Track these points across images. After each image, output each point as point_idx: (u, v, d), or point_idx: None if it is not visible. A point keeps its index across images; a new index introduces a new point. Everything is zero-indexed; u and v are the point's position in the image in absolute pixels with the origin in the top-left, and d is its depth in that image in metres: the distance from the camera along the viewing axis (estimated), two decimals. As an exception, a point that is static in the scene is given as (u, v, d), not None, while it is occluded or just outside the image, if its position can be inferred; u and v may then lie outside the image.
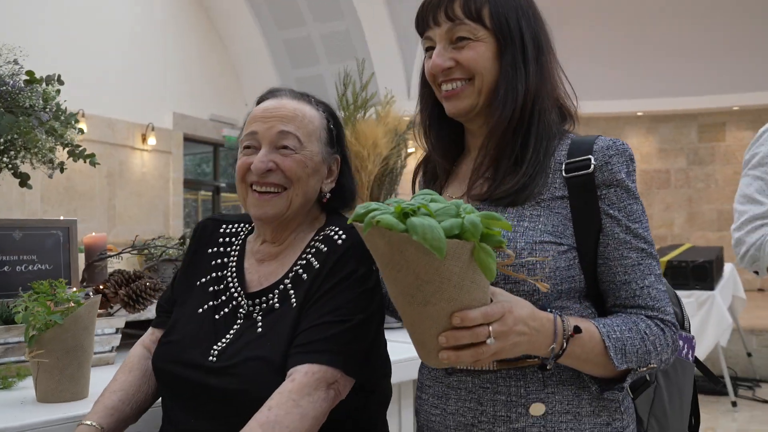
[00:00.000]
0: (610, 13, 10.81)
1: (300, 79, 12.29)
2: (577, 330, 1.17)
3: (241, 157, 1.47)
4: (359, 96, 3.13)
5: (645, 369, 1.25)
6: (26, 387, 1.80)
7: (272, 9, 11.72)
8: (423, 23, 1.38)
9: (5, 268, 2.28)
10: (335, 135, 1.54)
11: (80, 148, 2.40)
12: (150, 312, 2.35)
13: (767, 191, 2.19)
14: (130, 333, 2.37)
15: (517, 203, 1.29)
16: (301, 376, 1.26)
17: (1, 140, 2.17)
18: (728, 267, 6.18)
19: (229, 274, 1.51)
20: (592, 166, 1.26)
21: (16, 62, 2.29)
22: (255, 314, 1.42)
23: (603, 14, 10.78)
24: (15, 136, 2.20)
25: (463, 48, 1.32)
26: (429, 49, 1.38)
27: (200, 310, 1.48)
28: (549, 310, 1.19)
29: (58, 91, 2.45)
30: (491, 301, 1.06)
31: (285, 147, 1.43)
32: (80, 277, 2.52)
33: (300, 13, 11.59)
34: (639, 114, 11.97)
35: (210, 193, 12.90)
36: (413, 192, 1.53)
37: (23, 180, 2.43)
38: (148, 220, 10.05)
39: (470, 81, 1.33)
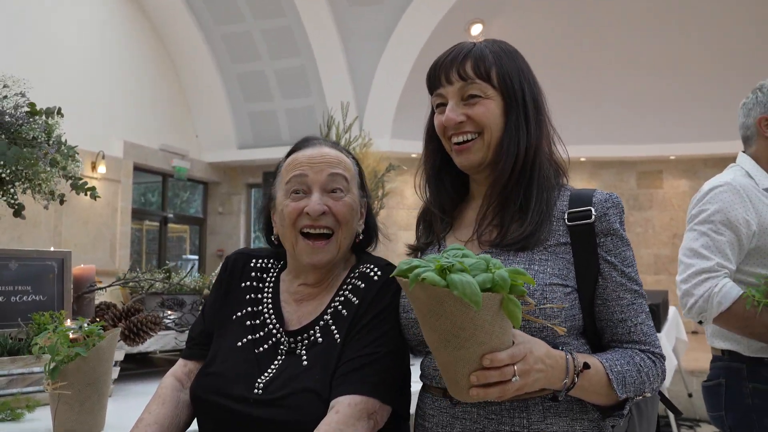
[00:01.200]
0: (556, 68, 11.24)
1: (252, 113, 12.33)
2: (586, 366, 1.31)
3: (288, 203, 1.53)
4: (342, 137, 3.24)
5: (640, 397, 1.42)
6: (36, 419, 1.80)
7: (228, 43, 11.78)
8: (435, 81, 1.50)
9: (0, 299, 2.28)
10: (362, 179, 1.65)
11: (81, 181, 2.43)
12: (145, 345, 2.38)
13: (713, 247, 2.30)
14: (123, 366, 2.38)
15: (526, 248, 1.41)
16: (345, 407, 1.34)
17: (8, 171, 2.19)
18: (672, 310, 6.44)
19: (265, 310, 1.57)
20: (593, 216, 1.41)
21: (22, 95, 2.32)
22: (298, 350, 1.49)
23: (549, 68, 11.20)
24: (20, 167, 2.22)
25: (474, 104, 1.45)
26: (440, 105, 1.51)
27: (239, 343, 1.53)
28: (560, 348, 1.32)
29: (58, 123, 2.48)
30: (513, 342, 1.19)
31: (335, 190, 1.52)
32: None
33: (256, 48, 11.67)
34: (582, 159, 12.40)
35: (156, 224, 12.73)
36: (417, 239, 1.66)
37: (18, 210, 2.43)
38: (95, 249, 9.86)
39: (480, 135, 1.46)
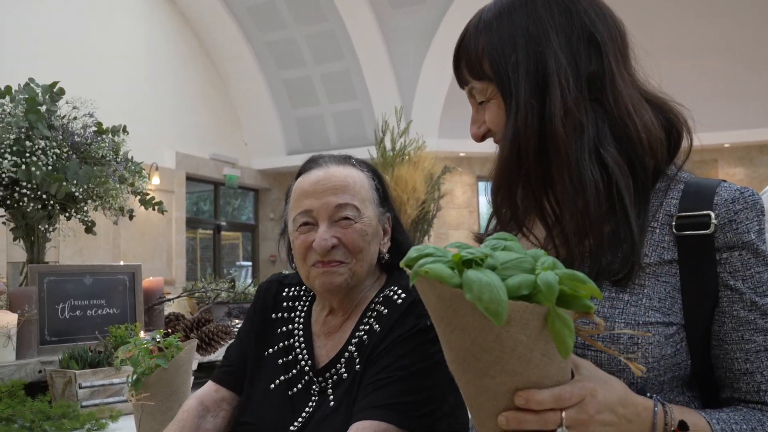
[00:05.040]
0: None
1: (300, 119, 12.46)
2: (683, 427, 0.93)
3: (297, 236, 1.41)
4: (397, 142, 3.26)
5: None
6: (119, 428, 1.87)
7: (273, 50, 11.92)
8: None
9: (77, 312, 2.36)
10: (382, 193, 1.50)
11: (149, 196, 2.50)
12: (215, 354, 2.43)
13: None
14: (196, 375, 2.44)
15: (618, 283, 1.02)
16: None
17: (80, 189, 2.26)
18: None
19: (297, 345, 1.48)
20: (713, 226, 1.01)
21: (90, 115, 2.40)
22: (329, 389, 1.39)
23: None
24: (91, 185, 2.30)
25: (485, 110, 1.13)
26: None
27: (272, 385, 1.44)
28: (648, 394, 0.95)
29: (124, 141, 2.56)
30: (572, 376, 0.85)
31: (344, 218, 1.39)
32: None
33: (300, 53, 11.79)
34: (633, 151, 12.20)
35: (209, 232, 12.95)
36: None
37: (90, 227, 2.52)
38: (152, 260, 10.08)
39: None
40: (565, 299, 0.79)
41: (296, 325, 1.50)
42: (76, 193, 2.25)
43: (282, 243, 1.56)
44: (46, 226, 2.34)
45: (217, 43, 12.01)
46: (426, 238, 3.37)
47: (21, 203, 2.23)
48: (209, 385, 1.54)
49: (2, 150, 2.17)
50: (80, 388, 1.95)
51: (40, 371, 2.10)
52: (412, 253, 0.84)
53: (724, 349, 1.02)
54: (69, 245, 8.93)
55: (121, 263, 2.60)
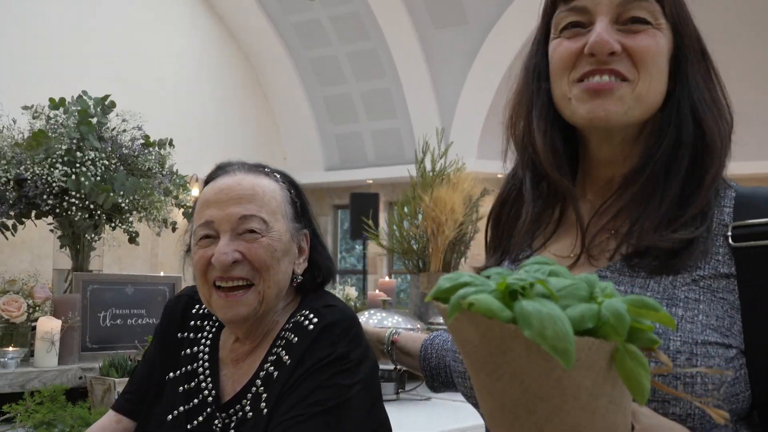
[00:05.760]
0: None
1: (339, 135, 12.56)
2: None
3: (197, 251, 1.26)
4: (438, 162, 3.27)
5: None
6: (156, 438, 1.89)
7: (315, 66, 12.06)
8: None
9: (118, 321, 2.41)
10: (299, 207, 1.36)
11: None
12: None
13: None
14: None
15: (669, 270, 0.89)
16: None
17: (126, 200, 2.32)
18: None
19: (201, 372, 1.32)
20: None
21: (139, 128, 2.46)
22: (231, 428, 1.24)
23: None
24: (137, 197, 2.35)
25: (638, 33, 0.93)
26: (570, 27, 0.96)
27: (170, 416, 1.29)
28: None
29: (170, 154, 2.62)
30: (632, 428, 0.72)
31: (250, 231, 1.24)
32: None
33: (342, 70, 11.91)
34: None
35: (246, 244, 13.10)
36: (486, 248, 1.16)
37: (133, 238, 2.57)
38: (188, 271, 10.19)
39: (626, 82, 0.93)
40: (630, 334, 0.64)
41: (202, 347, 1.34)
42: (122, 204, 2.31)
43: (187, 263, 1.37)
44: (92, 235, 2.39)
45: (261, 58, 12.20)
46: (462, 259, 3.36)
47: (69, 212, 2.29)
48: (109, 416, 1.38)
49: (54, 160, 2.24)
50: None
51: (80, 377, 2.14)
52: (444, 283, 0.67)
53: None
54: (108, 254, 9.08)
55: (161, 274, 2.65)
